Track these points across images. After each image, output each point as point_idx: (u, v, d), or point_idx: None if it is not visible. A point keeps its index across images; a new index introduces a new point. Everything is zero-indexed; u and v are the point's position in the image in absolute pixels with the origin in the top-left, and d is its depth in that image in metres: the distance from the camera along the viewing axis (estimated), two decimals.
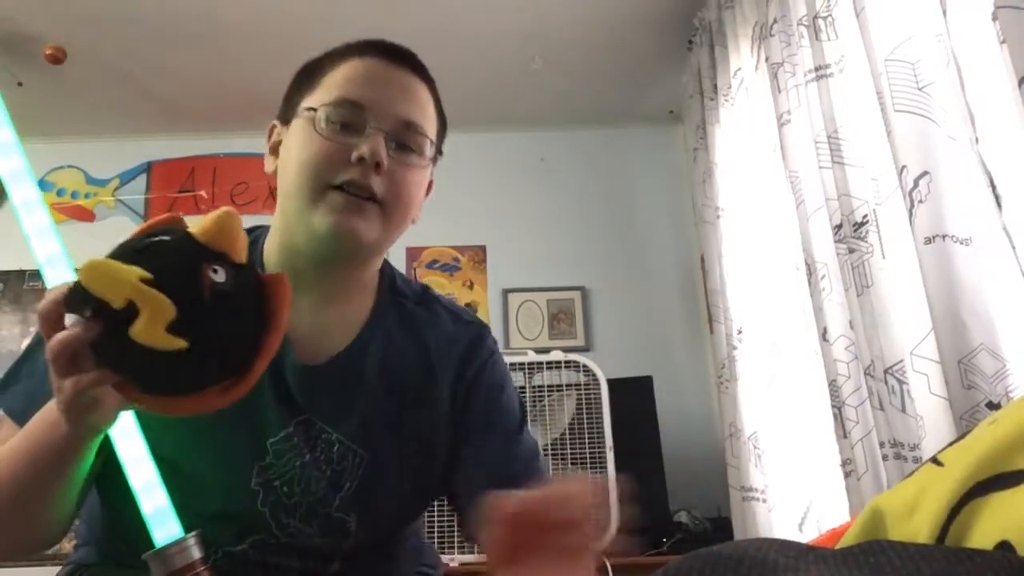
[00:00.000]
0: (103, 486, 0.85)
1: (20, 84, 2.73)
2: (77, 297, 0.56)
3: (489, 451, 0.90)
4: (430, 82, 0.90)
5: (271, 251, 0.88)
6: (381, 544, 0.90)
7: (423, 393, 0.89)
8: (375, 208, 0.81)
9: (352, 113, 0.82)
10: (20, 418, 0.76)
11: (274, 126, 0.91)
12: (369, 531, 0.85)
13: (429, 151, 0.87)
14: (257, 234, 0.91)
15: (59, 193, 3.16)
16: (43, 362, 0.58)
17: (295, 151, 0.83)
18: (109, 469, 0.85)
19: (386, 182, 0.81)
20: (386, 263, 0.95)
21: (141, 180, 3.21)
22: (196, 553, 0.65)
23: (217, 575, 0.67)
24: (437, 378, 0.90)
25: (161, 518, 0.66)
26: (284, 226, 0.86)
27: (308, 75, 0.88)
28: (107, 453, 0.83)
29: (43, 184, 3.15)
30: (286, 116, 0.89)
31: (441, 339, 0.92)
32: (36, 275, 3.05)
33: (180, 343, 0.55)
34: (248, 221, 0.96)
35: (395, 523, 0.91)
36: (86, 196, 3.17)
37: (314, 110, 0.83)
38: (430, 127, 0.87)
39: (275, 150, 0.89)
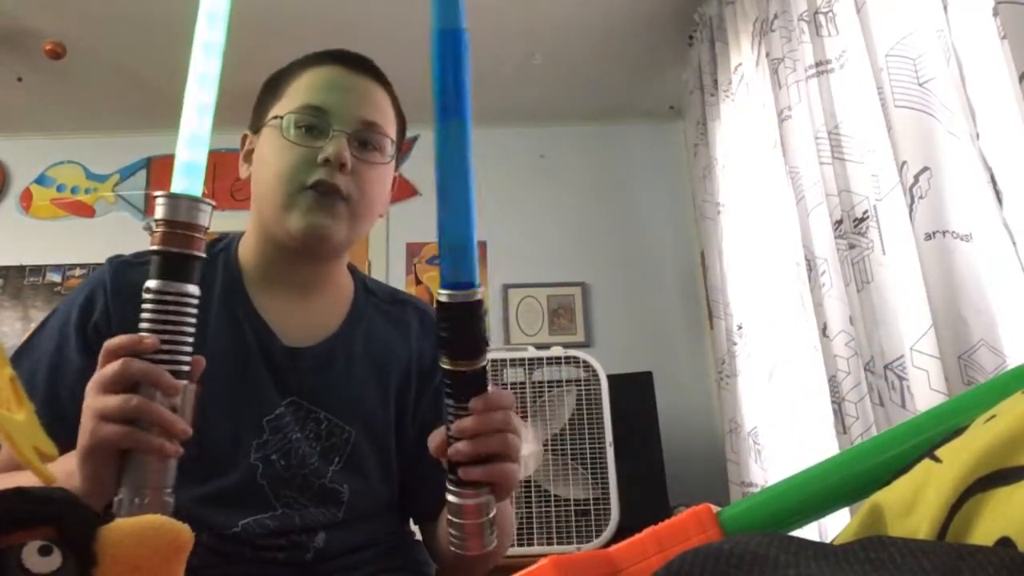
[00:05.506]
0: None
1: (20, 79, 2.72)
2: None
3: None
4: (387, 85, 0.97)
5: (248, 252, 0.95)
6: (368, 516, 0.93)
7: (407, 373, 0.98)
8: (343, 205, 0.88)
9: (316, 117, 0.88)
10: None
11: (246, 135, 0.98)
12: (361, 500, 0.91)
13: (390, 149, 0.94)
14: (227, 242, 0.98)
15: (59, 189, 3.16)
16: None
17: (267, 158, 0.90)
18: None
19: (352, 180, 0.88)
20: (353, 266, 1.04)
21: (141, 176, 3.21)
22: (205, 220, 0.62)
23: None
24: (414, 357, 0.99)
25: (193, 172, 0.65)
26: (261, 228, 0.93)
27: (273, 86, 0.95)
28: None
29: (43, 179, 3.15)
30: (255, 125, 0.96)
31: (413, 325, 1.02)
32: (35, 271, 3.05)
33: None
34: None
35: (387, 493, 0.95)
36: (86, 191, 3.17)
37: (280, 118, 0.89)
38: (390, 127, 0.95)
39: (248, 157, 0.96)
